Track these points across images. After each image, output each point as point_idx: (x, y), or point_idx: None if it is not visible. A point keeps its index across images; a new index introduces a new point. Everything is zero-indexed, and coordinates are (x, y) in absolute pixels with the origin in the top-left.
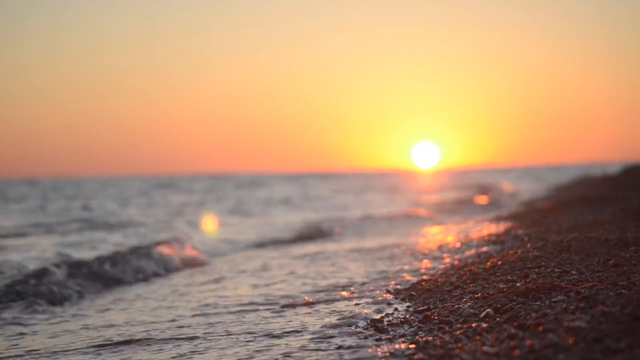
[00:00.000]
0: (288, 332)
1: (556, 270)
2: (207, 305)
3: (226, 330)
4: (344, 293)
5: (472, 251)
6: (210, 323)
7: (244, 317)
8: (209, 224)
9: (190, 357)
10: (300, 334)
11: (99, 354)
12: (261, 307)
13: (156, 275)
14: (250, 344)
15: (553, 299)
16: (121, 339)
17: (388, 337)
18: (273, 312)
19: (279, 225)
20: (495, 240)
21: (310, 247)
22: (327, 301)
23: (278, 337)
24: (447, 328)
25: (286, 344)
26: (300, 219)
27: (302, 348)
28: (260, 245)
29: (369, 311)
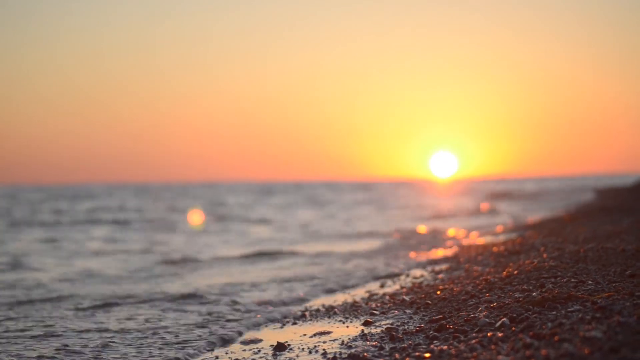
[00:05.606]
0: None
1: (572, 280)
2: None
3: None
4: None
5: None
6: None
7: None
8: None
9: None
10: None
11: None
12: None
13: None
14: None
15: (569, 309)
16: None
17: (403, 345)
18: None
19: None
20: (511, 249)
21: None
22: None
23: None
24: (462, 337)
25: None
26: None
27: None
28: None
29: None
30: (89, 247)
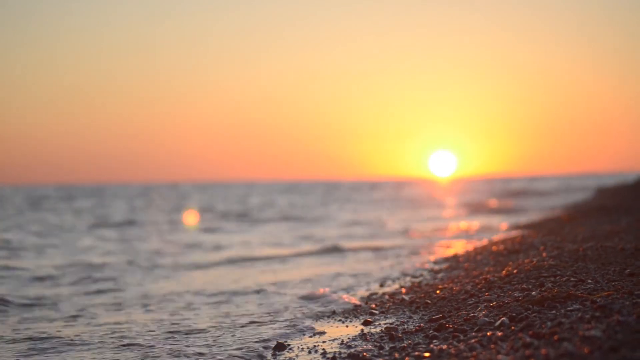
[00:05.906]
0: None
1: (572, 279)
2: None
3: None
4: None
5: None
6: None
7: None
8: None
9: None
10: None
11: None
12: None
13: None
14: None
15: (568, 308)
16: None
17: (402, 345)
18: None
19: None
20: (511, 248)
21: None
22: None
23: None
24: (461, 336)
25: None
26: None
27: None
28: None
29: None
30: (147, 246)
